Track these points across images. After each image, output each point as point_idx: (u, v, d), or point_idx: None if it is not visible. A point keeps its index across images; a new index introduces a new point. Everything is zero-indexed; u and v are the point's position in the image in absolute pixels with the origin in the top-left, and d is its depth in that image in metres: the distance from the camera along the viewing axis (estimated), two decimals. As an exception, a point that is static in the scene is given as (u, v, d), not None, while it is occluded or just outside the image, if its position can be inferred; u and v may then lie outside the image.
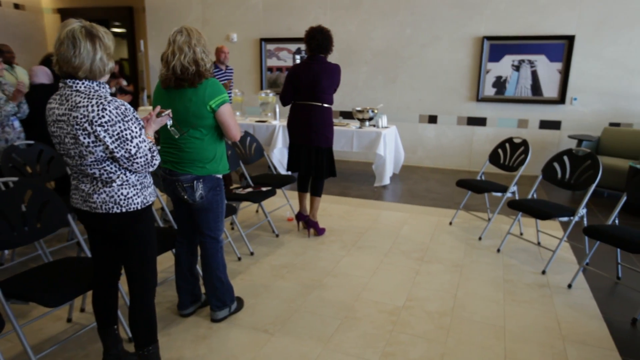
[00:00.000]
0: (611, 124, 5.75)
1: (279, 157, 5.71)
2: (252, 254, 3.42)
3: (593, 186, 3.22)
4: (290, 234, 3.87)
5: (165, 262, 3.21)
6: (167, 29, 2.25)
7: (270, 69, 7.22)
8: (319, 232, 3.82)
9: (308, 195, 3.82)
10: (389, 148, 5.49)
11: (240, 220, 4.12)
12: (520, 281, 3.05)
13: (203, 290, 2.61)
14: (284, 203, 4.37)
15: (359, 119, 5.64)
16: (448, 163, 6.62)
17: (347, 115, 6.62)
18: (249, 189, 3.61)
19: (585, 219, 3.32)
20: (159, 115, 1.91)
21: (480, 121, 6.34)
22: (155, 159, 1.78)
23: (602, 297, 2.87)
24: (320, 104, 3.54)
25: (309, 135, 3.56)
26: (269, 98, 6.22)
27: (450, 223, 4.18)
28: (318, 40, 3.47)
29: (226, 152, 2.43)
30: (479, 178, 4.16)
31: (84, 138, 1.62)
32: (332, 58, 6.71)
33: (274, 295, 2.81)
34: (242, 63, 7.32)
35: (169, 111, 1.94)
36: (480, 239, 3.80)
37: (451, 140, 6.54)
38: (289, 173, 4.67)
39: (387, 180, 5.44)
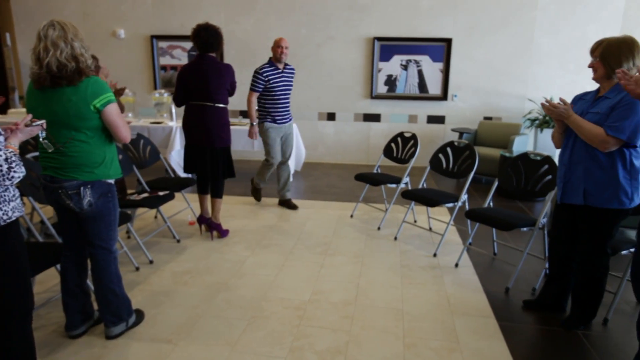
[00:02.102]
0: (485, 118, 6.46)
1: (177, 159, 5.47)
2: (151, 262, 3.24)
3: (472, 174, 3.59)
4: (193, 238, 3.74)
5: (48, 281, 2.90)
6: (40, 21, 2.03)
7: (163, 68, 6.87)
8: (222, 234, 3.75)
9: (209, 197, 3.73)
10: (291, 146, 5.55)
11: (137, 228, 3.88)
12: (415, 265, 3.30)
13: (96, 306, 2.41)
14: (184, 207, 4.20)
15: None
16: (348, 158, 6.90)
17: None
18: (145, 195, 3.42)
19: (467, 204, 3.70)
20: (29, 124, 1.72)
21: (375, 117, 6.70)
22: (14, 172, 1.58)
23: (483, 272, 3.22)
24: (212, 104, 3.47)
25: (203, 135, 3.48)
26: (164, 98, 5.92)
27: (352, 216, 4.38)
28: (203, 38, 3.39)
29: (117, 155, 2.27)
30: (375, 171, 4.41)
31: None
32: (229, 57, 6.64)
33: (176, 303, 2.70)
34: (132, 61, 6.87)
35: (42, 122, 1.76)
36: (379, 228, 4.03)
37: (350, 136, 6.82)
38: (189, 175, 4.50)
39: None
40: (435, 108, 6.57)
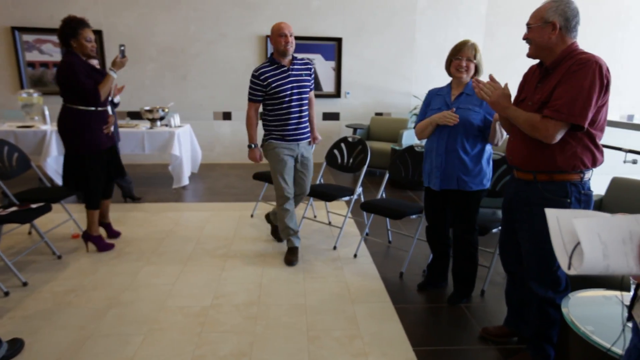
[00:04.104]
0: (376, 114, 6.83)
1: (54, 166, 4.92)
2: (25, 284, 2.87)
3: (365, 167, 3.76)
4: (78, 253, 3.39)
5: None
6: None
7: (31, 65, 6.11)
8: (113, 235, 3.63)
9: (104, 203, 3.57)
10: (185, 147, 5.33)
11: (5, 247, 3.41)
12: (316, 259, 3.37)
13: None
14: (66, 219, 3.79)
15: (149, 119, 5.28)
16: (246, 158, 6.72)
17: (136, 115, 6.13)
18: (14, 208, 3.01)
19: (362, 196, 3.87)
20: None
21: (272, 116, 6.70)
22: None
23: (379, 260, 3.40)
24: (64, 104, 3.21)
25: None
26: (33, 99, 5.27)
27: (252, 215, 4.33)
28: (58, 31, 3.10)
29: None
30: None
31: None
32: (111, 54, 6.12)
33: (58, 326, 2.43)
34: (-9, 57, 6.01)
35: None
36: (280, 226, 4.04)
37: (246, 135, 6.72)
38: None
39: (185, 181, 5.28)
40: (330, 105, 6.77)
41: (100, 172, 3.33)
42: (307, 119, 3.22)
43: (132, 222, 4.09)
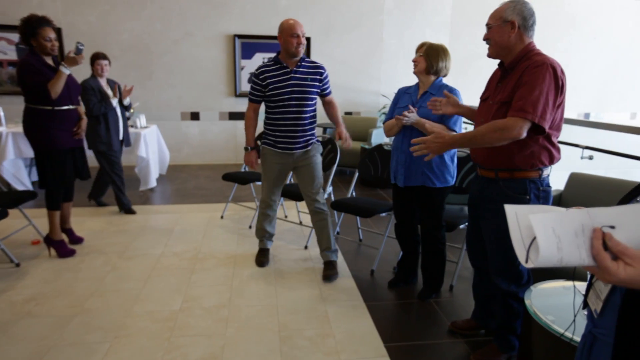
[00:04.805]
0: (346, 113, 6.87)
1: (12, 170, 4.72)
2: (-19, 294, 2.74)
3: (334, 166, 3.78)
4: (38, 259, 3.26)
5: None
6: None
7: (-15, 63, 5.82)
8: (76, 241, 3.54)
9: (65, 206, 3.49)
10: (152, 149, 5.20)
11: (-41, 256, 3.24)
12: (288, 259, 3.36)
13: None
14: (24, 224, 3.63)
15: (113, 120, 5.12)
16: (215, 158, 6.72)
17: (99, 115, 5.93)
18: (-33, 215, 2.86)
19: (332, 195, 3.89)
20: None
21: (241, 115, 6.63)
22: None
23: (350, 258, 3.43)
24: (25, 104, 3.14)
25: None
26: (-12, 99, 5.03)
27: (222, 217, 4.27)
28: (19, 30, 3.00)
29: None
30: (242, 170, 4.37)
31: None
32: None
33: (18, 337, 2.32)
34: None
35: None
36: (250, 227, 4.01)
37: (216, 135, 6.65)
38: (29, 188, 3.93)
39: (153, 183, 5.15)
40: (300, 105, 6.76)
41: (62, 172, 3.22)
42: (308, 127, 2.93)
43: (97, 226, 3.96)
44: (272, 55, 6.83)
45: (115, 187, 4.20)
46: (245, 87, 6.54)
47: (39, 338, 2.31)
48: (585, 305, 0.99)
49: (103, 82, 4.08)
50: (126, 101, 4.19)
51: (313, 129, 3.02)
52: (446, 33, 6.84)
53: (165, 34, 6.18)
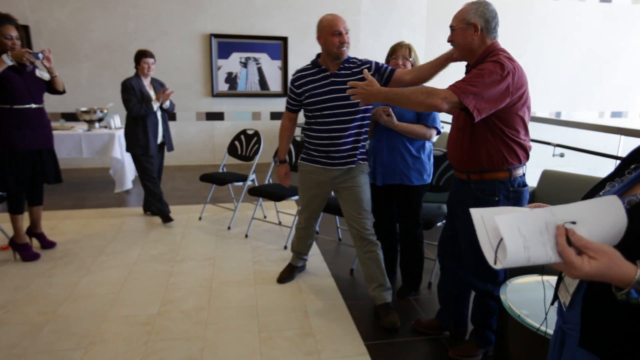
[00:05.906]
0: (324, 113, 6.88)
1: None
2: (-53, 302, 2.63)
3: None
4: (7, 265, 3.15)
5: None
6: None
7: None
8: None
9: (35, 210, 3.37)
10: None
11: None
12: (267, 260, 3.35)
13: None
14: (-7, 229, 3.51)
15: (86, 121, 5.01)
16: (193, 159, 6.63)
17: (72, 117, 5.79)
18: None
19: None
20: None
21: (218, 116, 6.57)
22: None
23: (330, 257, 3.44)
24: None
25: None
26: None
27: (200, 218, 4.22)
28: None
29: None
30: (220, 171, 4.33)
31: None
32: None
33: (-12, 346, 2.24)
34: None
35: None
36: (229, 228, 3.97)
37: (193, 136, 6.56)
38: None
39: (129, 185, 5.05)
40: (277, 104, 6.74)
41: (22, 175, 3.09)
42: (351, 140, 2.47)
43: (71, 229, 3.86)
44: (247, 54, 6.72)
45: (147, 193, 4.03)
46: (222, 87, 6.48)
47: (9, 347, 2.24)
48: (555, 299, 1.02)
49: (146, 82, 3.88)
50: (166, 104, 3.97)
51: (359, 142, 2.51)
52: (422, 33, 6.93)
53: (140, 33, 6.07)
